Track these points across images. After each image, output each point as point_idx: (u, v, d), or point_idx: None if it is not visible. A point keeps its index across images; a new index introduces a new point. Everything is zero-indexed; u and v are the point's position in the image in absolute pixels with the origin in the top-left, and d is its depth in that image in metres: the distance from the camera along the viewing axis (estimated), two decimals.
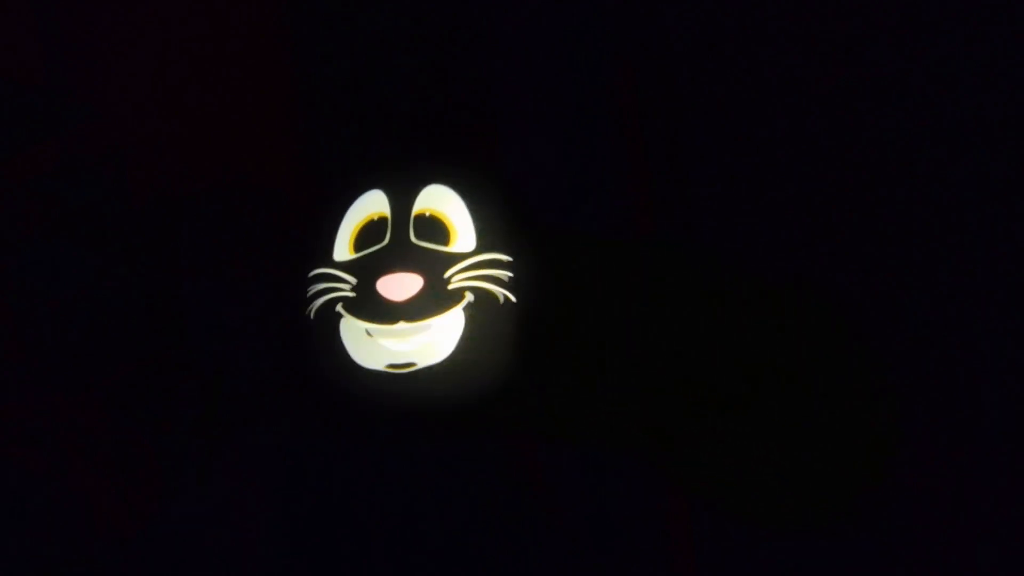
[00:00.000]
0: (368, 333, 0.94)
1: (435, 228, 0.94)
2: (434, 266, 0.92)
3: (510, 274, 0.92)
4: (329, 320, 0.95)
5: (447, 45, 1.32)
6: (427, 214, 0.94)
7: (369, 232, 0.95)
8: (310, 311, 0.95)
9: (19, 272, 1.34)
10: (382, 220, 0.95)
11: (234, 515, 1.23)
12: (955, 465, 1.16)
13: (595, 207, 1.28)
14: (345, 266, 0.95)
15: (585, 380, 1.03)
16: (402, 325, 0.92)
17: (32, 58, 1.40)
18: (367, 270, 0.93)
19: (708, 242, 1.29)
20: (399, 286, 0.92)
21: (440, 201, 0.94)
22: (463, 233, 0.93)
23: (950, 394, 1.17)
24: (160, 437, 1.28)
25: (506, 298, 0.92)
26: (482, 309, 0.92)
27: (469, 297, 0.92)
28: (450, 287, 0.91)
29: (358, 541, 1.18)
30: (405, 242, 0.93)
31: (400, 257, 0.93)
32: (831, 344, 1.18)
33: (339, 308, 0.95)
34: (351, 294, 0.94)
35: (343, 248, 0.96)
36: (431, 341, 0.93)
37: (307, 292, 0.96)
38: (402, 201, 0.94)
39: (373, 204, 0.95)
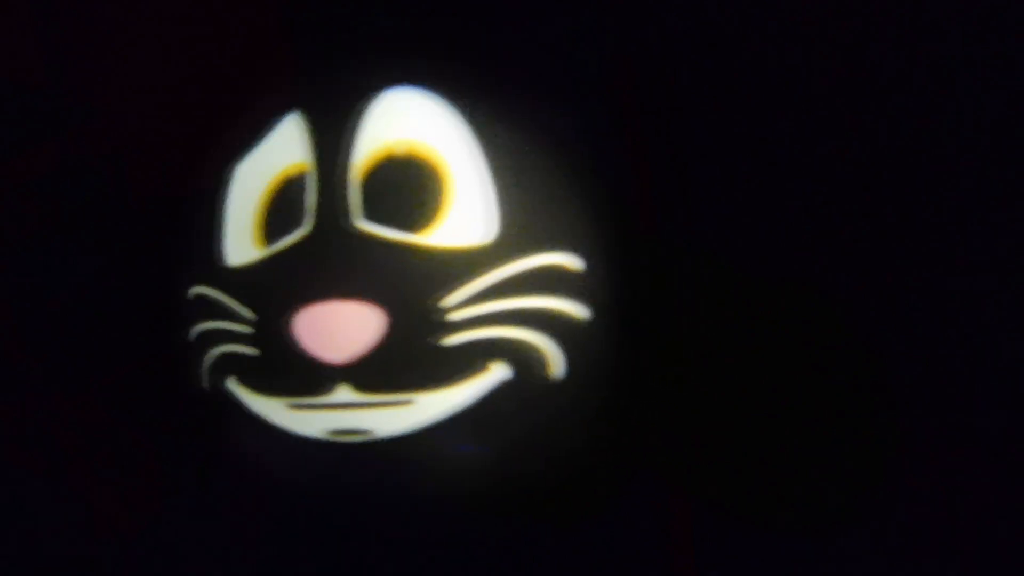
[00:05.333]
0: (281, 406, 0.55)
1: (407, 188, 0.49)
2: (408, 282, 0.48)
3: (576, 310, 0.53)
4: (224, 385, 0.57)
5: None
6: (390, 156, 0.49)
7: (283, 203, 0.51)
8: (200, 372, 0.57)
9: (19, 272, 1.34)
10: (300, 177, 0.51)
11: (234, 515, 1.24)
12: (955, 465, 1.15)
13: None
14: (240, 282, 0.52)
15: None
16: (345, 395, 0.51)
17: (32, 58, 1.40)
18: (275, 294, 0.50)
19: (709, 241, 1.29)
20: (342, 329, 0.48)
21: (414, 126, 0.49)
22: (466, 195, 0.48)
23: (950, 394, 1.16)
24: (160, 437, 1.28)
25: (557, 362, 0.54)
26: (515, 387, 0.53)
27: (496, 372, 0.52)
28: (448, 338, 0.48)
29: (359, 541, 1.18)
30: (343, 228, 0.49)
31: (336, 264, 0.48)
32: (831, 343, 1.18)
33: (230, 383, 0.57)
34: (250, 350, 0.51)
35: (243, 240, 0.52)
36: (404, 413, 0.54)
37: (187, 330, 0.57)
38: (337, 133, 0.49)
39: (289, 143, 0.50)
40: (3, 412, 1.30)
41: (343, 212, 0.48)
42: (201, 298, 0.53)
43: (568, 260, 0.54)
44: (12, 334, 1.35)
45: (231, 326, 0.50)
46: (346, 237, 0.48)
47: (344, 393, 0.50)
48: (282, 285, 0.48)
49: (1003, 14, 1.08)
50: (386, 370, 0.49)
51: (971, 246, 1.14)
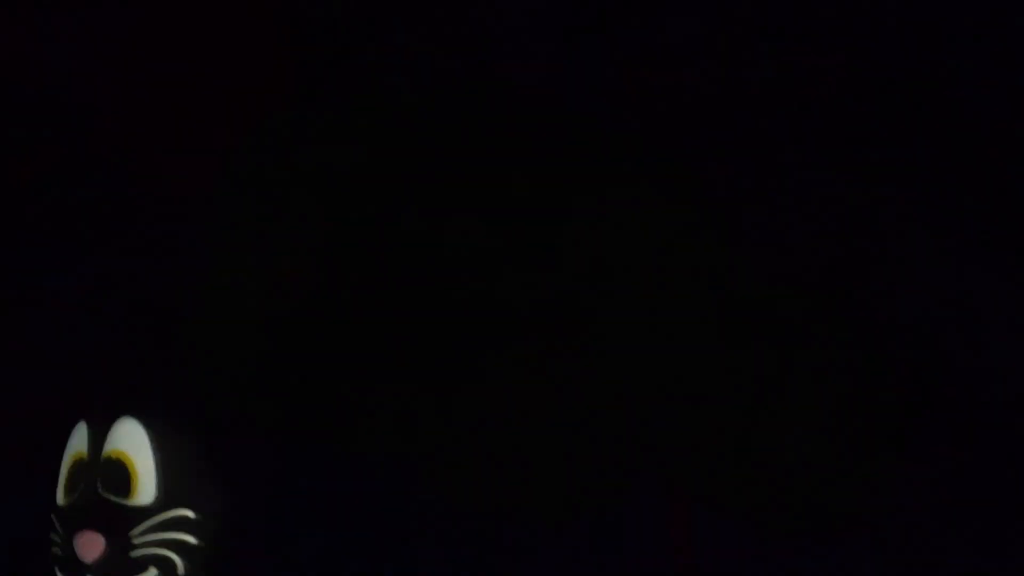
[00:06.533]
0: None
1: (119, 473, 0.88)
2: (117, 524, 0.86)
3: (196, 540, 0.87)
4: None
5: None
6: (113, 456, 0.88)
7: (74, 475, 0.89)
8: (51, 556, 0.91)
9: (19, 272, 1.34)
10: (80, 462, 0.89)
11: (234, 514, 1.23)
12: (955, 465, 1.15)
13: None
14: (58, 514, 0.90)
15: None
16: None
17: (32, 58, 1.41)
18: (68, 522, 0.88)
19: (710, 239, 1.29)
20: (87, 547, 0.86)
21: (128, 440, 0.88)
22: (146, 479, 0.87)
23: (950, 394, 1.16)
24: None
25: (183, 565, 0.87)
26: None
27: (152, 572, 0.86)
28: (133, 553, 0.86)
29: (351, 544, 1.18)
30: (91, 493, 0.87)
31: (86, 512, 0.87)
32: (831, 343, 1.18)
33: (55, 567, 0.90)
34: (59, 551, 0.89)
35: (60, 491, 0.90)
36: None
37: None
38: (97, 440, 0.89)
39: (78, 441, 0.90)
40: (3, 412, 1.30)
41: (94, 482, 0.90)
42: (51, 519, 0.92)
43: (188, 512, 0.89)
44: (12, 334, 1.34)
45: (54, 537, 0.91)
46: (93, 496, 0.89)
47: None
48: (70, 519, 0.91)
49: (1003, 15, 1.08)
50: (108, 568, 0.87)
51: (971, 246, 1.14)
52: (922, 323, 1.19)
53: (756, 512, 1.16)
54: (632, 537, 1.18)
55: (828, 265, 1.28)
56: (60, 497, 0.90)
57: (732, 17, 1.34)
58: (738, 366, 1.19)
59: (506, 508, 1.18)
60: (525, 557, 1.17)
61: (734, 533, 1.17)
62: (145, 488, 0.87)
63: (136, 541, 0.86)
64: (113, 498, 0.87)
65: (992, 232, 1.13)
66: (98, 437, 0.88)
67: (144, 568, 0.86)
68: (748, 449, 1.17)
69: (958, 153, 1.15)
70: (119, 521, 0.85)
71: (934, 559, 1.13)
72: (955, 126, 1.15)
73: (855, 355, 1.20)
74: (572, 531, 1.18)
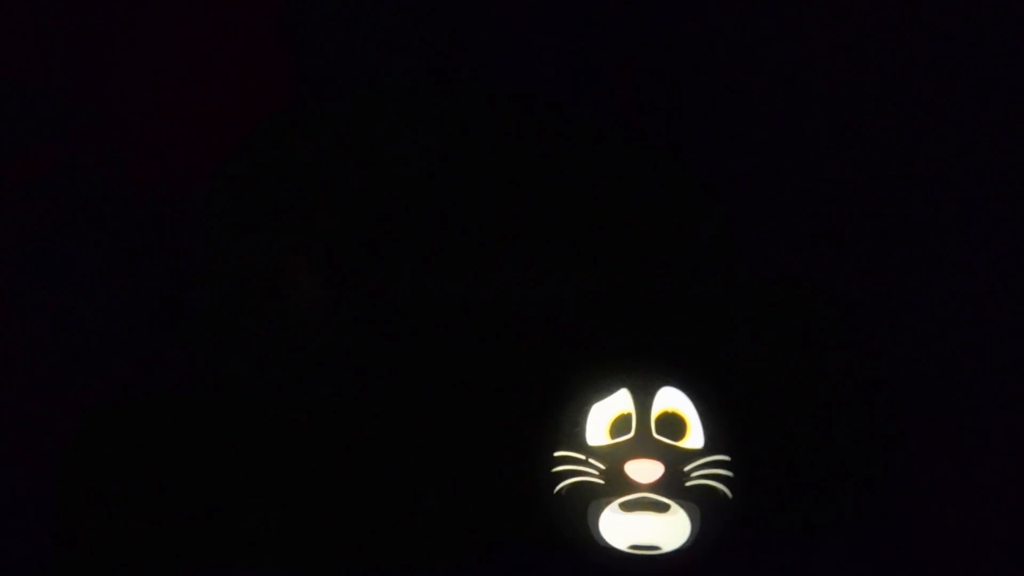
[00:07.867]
0: (613, 512, 1.09)
1: (673, 423, 1.10)
2: (673, 459, 1.08)
3: (730, 473, 1.08)
4: (578, 500, 1.10)
5: None
6: (665, 413, 1.10)
7: (617, 425, 1.11)
8: (562, 489, 1.10)
9: (19, 272, 1.35)
10: (627, 416, 1.11)
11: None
12: (955, 465, 1.15)
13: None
14: (597, 452, 1.10)
15: None
16: (646, 496, 1.07)
17: (32, 58, 1.41)
18: (616, 458, 1.08)
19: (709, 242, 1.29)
20: (644, 471, 1.07)
21: (675, 401, 1.11)
22: (695, 429, 1.10)
23: (949, 395, 1.16)
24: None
25: (728, 495, 1.09)
26: (715, 505, 1.08)
27: (711, 492, 1.08)
28: (688, 480, 1.07)
29: None
30: (648, 437, 1.09)
31: (644, 448, 1.08)
32: (830, 343, 1.18)
33: (589, 493, 1.10)
34: (600, 480, 1.09)
35: (598, 435, 1.11)
36: (673, 529, 1.09)
37: (553, 469, 1.11)
38: (643, 400, 1.11)
39: (621, 401, 1.11)
40: (3, 412, 1.31)
41: (649, 429, 1.10)
42: (572, 457, 1.11)
43: (725, 456, 1.10)
44: (12, 334, 1.35)
45: (586, 470, 1.10)
46: (650, 438, 1.09)
47: (644, 495, 1.08)
48: (621, 454, 1.09)
49: (1003, 15, 1.07)
50: (663, 488, 1.07)
51: (971, 247, 1.13)
52: (923, 323, 1.19)
53: (756, 512, 1.16)
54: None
55: (826, 263, 1.27)
56: (598, 440, 1.11)
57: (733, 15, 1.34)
58: (738, 365, 1.19)
59: (506, 506, 1.18)
60: (525, 556, 1.17)
61: (734, 533, 1.17)
62: (695, 436, 1.09)
63: (690, 472, 1.07)
64: (668, 440, 1.08)
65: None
66: (644, 400, 1.11)
67: (694, 493, 1.07)
68: (749, 449, 1.16)
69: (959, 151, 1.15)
70: (674, 456, 1.08)
71: (933, 559, 1.13)
72: (954, 125, 1.15)
73: (856, 354, 1.20)
74: None
